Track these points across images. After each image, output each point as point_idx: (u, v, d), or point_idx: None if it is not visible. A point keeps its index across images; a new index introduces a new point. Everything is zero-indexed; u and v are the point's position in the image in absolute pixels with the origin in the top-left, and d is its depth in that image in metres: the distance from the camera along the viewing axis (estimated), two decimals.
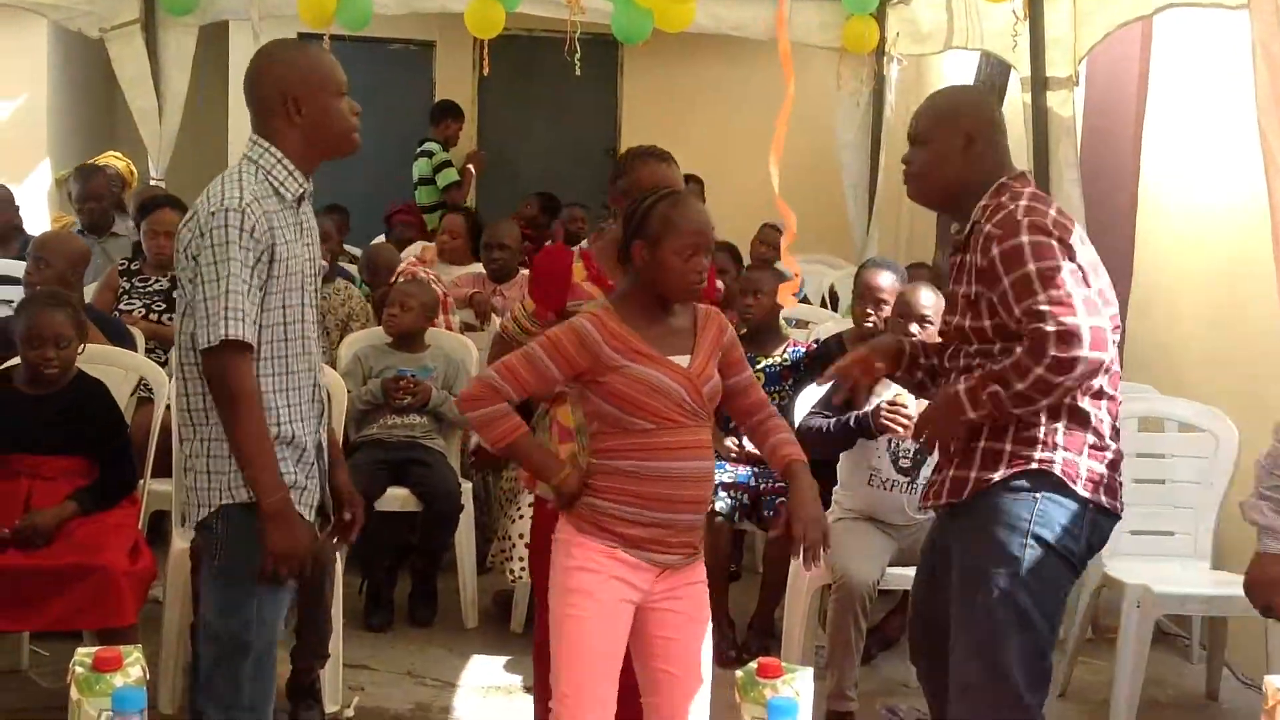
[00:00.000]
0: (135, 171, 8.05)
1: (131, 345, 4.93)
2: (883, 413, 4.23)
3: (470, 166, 9.27)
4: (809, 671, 2.46)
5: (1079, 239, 3.01)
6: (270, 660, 2.99)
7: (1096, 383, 2.98)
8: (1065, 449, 2.99)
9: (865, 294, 4.94)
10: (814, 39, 7.90)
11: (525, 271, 5.77)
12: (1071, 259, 2.93)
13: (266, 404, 2.87)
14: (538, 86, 10.10)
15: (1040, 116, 5.88)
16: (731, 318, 5.53)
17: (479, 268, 7.14)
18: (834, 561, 4.25)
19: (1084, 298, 2.89)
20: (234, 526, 2.87)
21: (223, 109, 9.82)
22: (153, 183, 7.59)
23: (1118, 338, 3.04)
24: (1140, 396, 4.84)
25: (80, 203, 6.82)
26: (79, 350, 4.05)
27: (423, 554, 5.19)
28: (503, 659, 4.74)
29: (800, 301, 6.38)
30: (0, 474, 4.00)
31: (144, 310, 5.52)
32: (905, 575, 4.30)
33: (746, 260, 6.88)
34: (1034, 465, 2.98)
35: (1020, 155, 4.16)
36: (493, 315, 6.24)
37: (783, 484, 4.76)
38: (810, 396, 4.59)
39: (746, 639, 4.84)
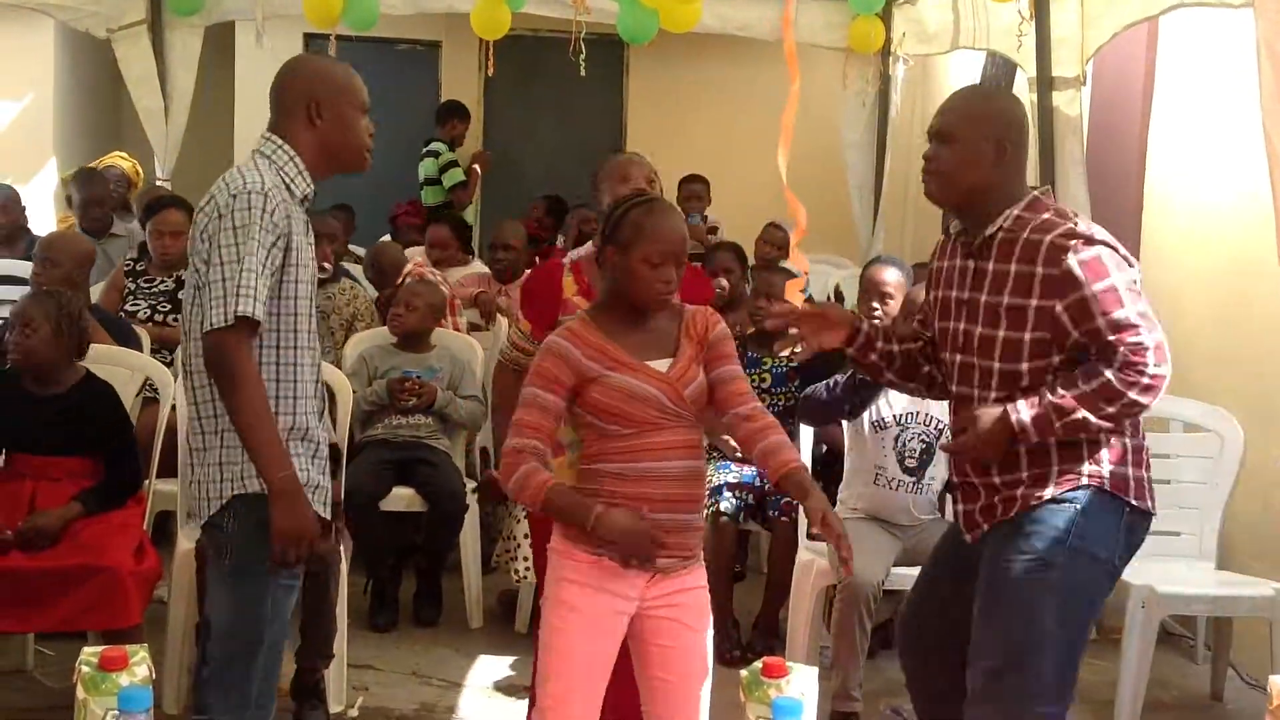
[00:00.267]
0: (141, 172, 8.06)
1: (137, 346, 4.94)
2: None
3: (476, 167, 9.28)
4: (814, 671, 2.46)
5: None
6: (276, 657, 2.99)
7: None
8: (1111, 462, 2.97)
9: (870, 288, 4.94)
10: (820, 39, 7.89)
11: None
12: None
13: (281, 393, 2.88)
14: (543, 87, 10.09)
15: (1046, 116, 5.88)
16: (741, 318, 5.57)
17: (482, 267, 7.16)
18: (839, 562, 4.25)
19: (1141, 311, 2.88)
20: (244, 522, 2.88)
21: (229, 110, 9.84)
22: (158, 183, 7.59)
23: None
24: None
25: (82, 208, 6.83)
26: (57, 346, 3.97)
27: (428, 554, 5.19)
28: (507, 659, 4.74)
29: (806, 301, 6.37)
30: (5, 475, 4.02)
31: (149, 311, 5.53)
32: (911, 575, 4.29)
33: (750, 260, 6.85)
34: (1084, 481, 2.96)
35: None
36: (498, 315, 6.24)
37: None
38: None
39: (751, 639, 4.84)
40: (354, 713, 4.26)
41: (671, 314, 2.96)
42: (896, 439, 4.37)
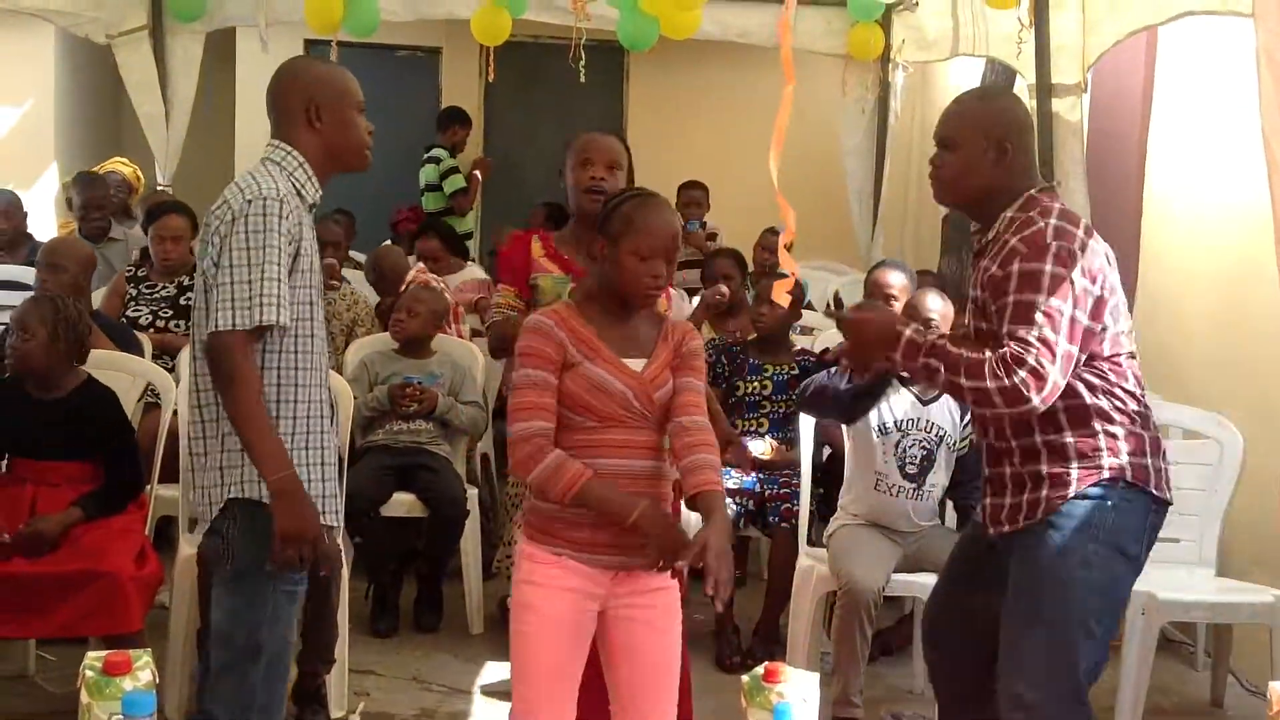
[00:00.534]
0: (142, 177, 8.07)
1: (139, 351, 4.94)
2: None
3: (476, 172, 9.29)
4: (815, 676, 2.46)
5: (1104, 260, 2.99)
6: (282, 664, 2.99)
7: (1130, 379, 3.02)
8: (1130, 453, 2.99)
9: (874, 291, 4.96)
10: (819, 45, 7.90)
11: None
12: (1086, 290, 2.92)
13: (282, 397, 2.90)
14: (543, 93, 10.11)
15: (1045, 122, 5.89)
16: (741, 324, 5.58)
17: (478, 271, 7.19)
18: (839, 567, 4.26)
19: (1065, 352, 2.88)
20: (243, 527, 2.88)
21: (230, 115, 9.85)
22: (159, 188, 7.60)
23: (1134, 348, 3.06)
24: None
25: (83, 211, 6.83)
26: (55, 351, 3.96)
27: (428, 560, 5.19)
28: (508, 665, 4.69)
29: (805, 307, 6.38)
30: (5, 479, 4.02)
31: (151, 317, 5.53)
32: (911, 582, 4.32)
33: (750, 266, 6.86)
34: (1106, 474, 2.97)
35: None
36: (500, 288, 6.24)
37: (789, 490, 4.82)
38: None
39: (751, 645, 4.84)
40: (355, 718, 4.26)
41: (653, 319, 2.97)
42: (897, 445, 4.38)
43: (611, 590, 2.87)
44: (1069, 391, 2.96)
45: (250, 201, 2.83)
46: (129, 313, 5.55)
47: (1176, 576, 4.38)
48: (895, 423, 4.38)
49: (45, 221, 8.46)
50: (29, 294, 5.06)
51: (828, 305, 7.48)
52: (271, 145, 2.99)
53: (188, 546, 4.09)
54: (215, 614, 3.00)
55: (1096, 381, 3.00)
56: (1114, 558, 2.99)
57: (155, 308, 5.56)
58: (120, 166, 7.96)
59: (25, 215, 7.14)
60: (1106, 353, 3.00)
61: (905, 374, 3.06)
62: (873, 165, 8.21)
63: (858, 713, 4.21)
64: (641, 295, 2.88)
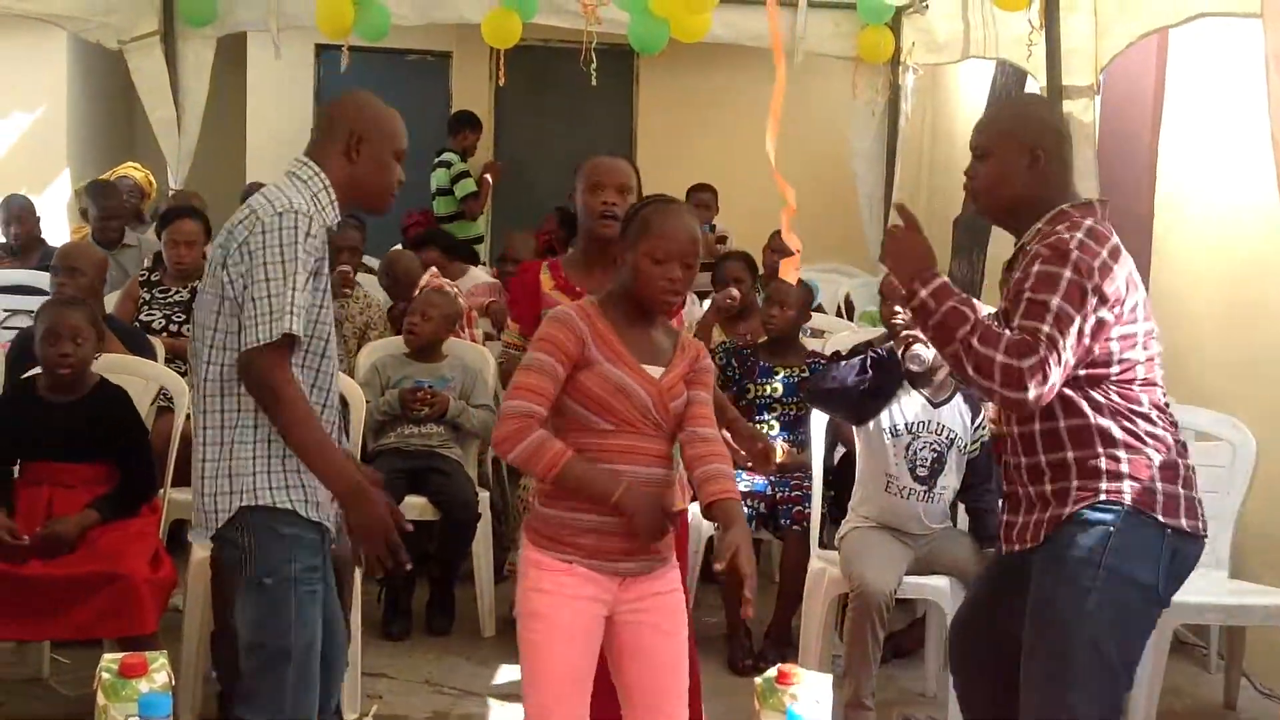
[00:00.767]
0: (154, 182, 8.11)
1: (152, 355, 4.96)
2: (904, 339, 4.22)
3: (487, 176, 9.31)
4: (828, 678, 2.47)
5: (1127, 279, 2.91)
6: (312, 663, 2.98)
7: (1144, 404, 2.94)
8: (1133, 477, 2.90)
9: (890, 293, 4.95)
10: (829, 48, 7.92)
11: None
12: (1096, 308, 2.85)
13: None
14: (553, 97, 10.13)
15: None
16: (752, 327, 5.59)
17: (482, 275, 7.21)
18: (851, 570, 4.26)
19: (1067, 359, 2.81)
20: (257, 533, 2.90)
21: (241, 120, 9.89)
22: (173, 191, 7.63)
23: (1156, 376, 2.99)
24: None
25: (100, 220, 6.85)
26: (95, 355, 4.07)
27: (440, 563, 5.20)
28: (519, 668, 4.72)
29: (815, 310, 6.39)
30: (22, 481, 4.04)
31: (164, 321, 5.55)
32: (922, 584, 4.32)
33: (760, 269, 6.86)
34: (1101, 497, 2.89)
35: None
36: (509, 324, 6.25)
37: (800, 492, 4.83)
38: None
39: (763, 648, 4.85)
40: None
41: (669, 330, 2.99)
42: (908, 447, 4.38)
43: (619, 595, 2.88)
44: (1073, 409, 2.91)
45: (281, 214, 2.85)
46: (142, 317, 5.57)
47: (1189, 579, 4.36)
48: (906, 425, 4.38)
49: (57, 227, 8.49)
50: (41, 298, 5.10)
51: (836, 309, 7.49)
52: (301, 162, 3.01)
53: (200, 550, 4.10)
54: (240, 623, 3.00)
55: (1103, 401, 2.92)
56: (1122, 586, 2.88)
57: (168, 312, 5.59)
58: (132, 171, 8.00)
59: (38, 220, 7.18)
60: (1115, 375, 2.92)
61: (918, 325, 2.94)
62: (883, 168, 8.22)
63: (869, 715, 4.21)
64: (657, 299, 2.88)
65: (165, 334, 5.48)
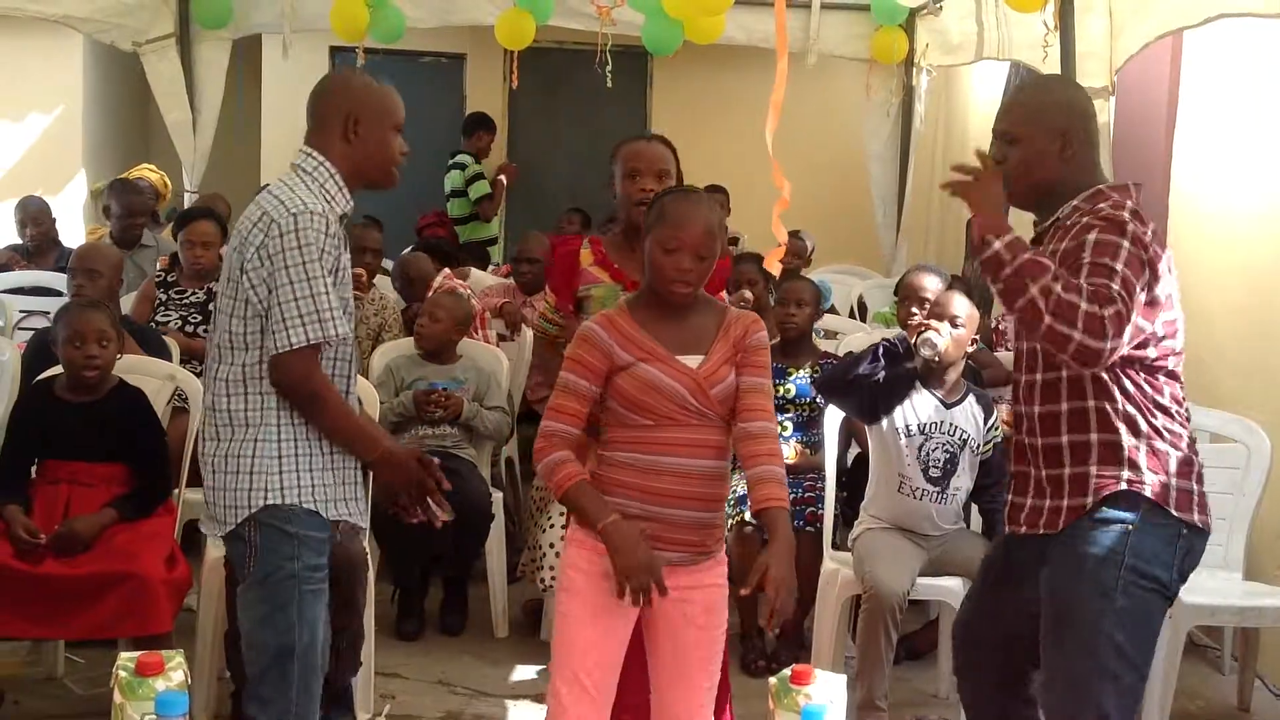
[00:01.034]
0: (169, 184, 8.13)
1: (167, 356, 4.97)
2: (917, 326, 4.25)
3: (501, 178, 9.32)
4: (841, 678, 2.48)
5: (1166, 267, 2.90)
6: (314, 661, 3.00)
7: (1165, 395, 2.93)
8: (1152, 470, 2.88)
9: (910, 294, 4.98)
10: (843, 50, 7.92)
11: None
12: (1149, 283, 2.82)
13: None
14: (567, 98, 10.15)
15: None
16: (765, 327, 5.58)
17: (490, 278, 7.21)
18: (864, 571, 4.26)
19: (1134, 323, 2.77)
20: (268, 531, 2.91)
21: (256, 122, 9.92)
22: (187, 194, 7.66)
23: (1178, 368, 2.97)
24: None
25: (122, 219, 6.87)
26: (118, 356, 4.10)
27: (454, 563, 5.20)
28: (532, 667, 4.76)
29: (828, 311, 6.40)
30: (40, 481, 4.06)
31: (180, 322, 5.57)
32: (935, 585, 4.32)
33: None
34: (1123, 485, 2.87)
35: None
36: (523, 326, 6.27)
37: (813, 493, 4.83)
38: (839, 413, 4.62)
39: (776, 649, 4.84)
40: None
41: (714, 313, 2.97)
42: (920, 448, 4.37)
43: None
44: (1104, 391, 2.89)
45: (296, 215, 2.86)
46: (158, 318, 5.59)
47: (1203, 580, 4.34)
48: (919, 425, 4.38)
49: (73, 228, 8.53)
50: (56, 299, 5.12)
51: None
52: (304, 153, 3.02)
53: (215, 550, 4.12)
54: (243, 621, 3.02)
55: (1132, 389, 2.91)
56: (1142, 585, 2.87)
57: (184, 313, 5.60)
58: (148, 173, 8.02)
59: (54, 221, 7.21)
60: (1152, 359, 2.90)
61: (985, 277, 2.85)
62: (897, 169, 8.21)
63: (883, 717, 4.21)
64: (666, 288, 2.88)
65: (181, 334, 5.49)
